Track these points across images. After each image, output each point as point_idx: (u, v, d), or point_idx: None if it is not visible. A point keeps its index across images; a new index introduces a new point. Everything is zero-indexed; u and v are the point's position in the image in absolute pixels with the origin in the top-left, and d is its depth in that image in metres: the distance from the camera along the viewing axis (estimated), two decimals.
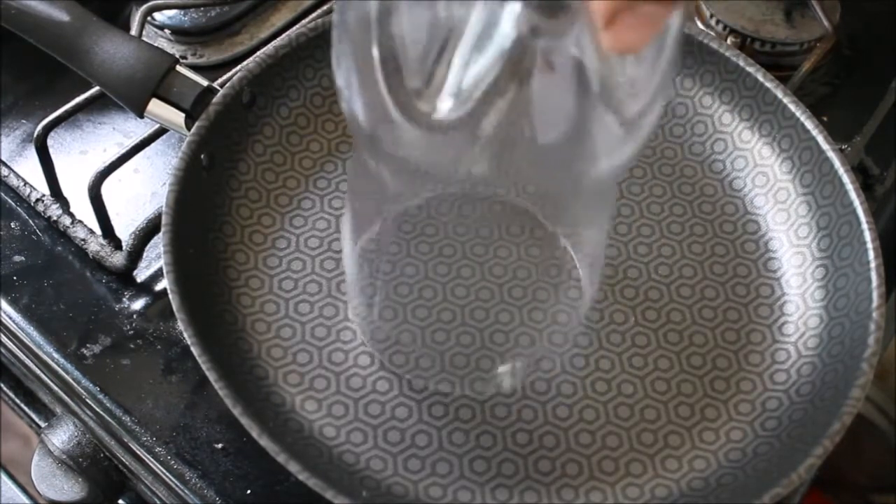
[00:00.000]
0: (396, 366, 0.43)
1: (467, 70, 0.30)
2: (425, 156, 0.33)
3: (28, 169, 0.51)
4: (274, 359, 0.43)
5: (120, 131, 0.55)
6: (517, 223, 0.45)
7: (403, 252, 0.45)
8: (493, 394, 0.42)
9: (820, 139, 0.47)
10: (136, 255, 0.48)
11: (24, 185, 0.50)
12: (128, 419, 0.44)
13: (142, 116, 0.44)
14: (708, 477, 0.41)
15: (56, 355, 0.46)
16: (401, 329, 0.43)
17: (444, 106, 0.31)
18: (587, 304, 0.44)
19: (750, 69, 0.49)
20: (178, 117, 0.44)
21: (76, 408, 0.46)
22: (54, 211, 0.49)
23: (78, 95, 0.49)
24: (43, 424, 0.50)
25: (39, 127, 0.48)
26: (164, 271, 0.41)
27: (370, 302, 0.44)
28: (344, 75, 0.33)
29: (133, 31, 0.51)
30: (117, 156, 0.47)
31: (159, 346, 0.46)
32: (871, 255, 0.43)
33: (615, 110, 0.32)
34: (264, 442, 0.37)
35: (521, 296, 0.44)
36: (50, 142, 0.49)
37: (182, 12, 0.57)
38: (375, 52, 0.31)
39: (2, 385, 0.54)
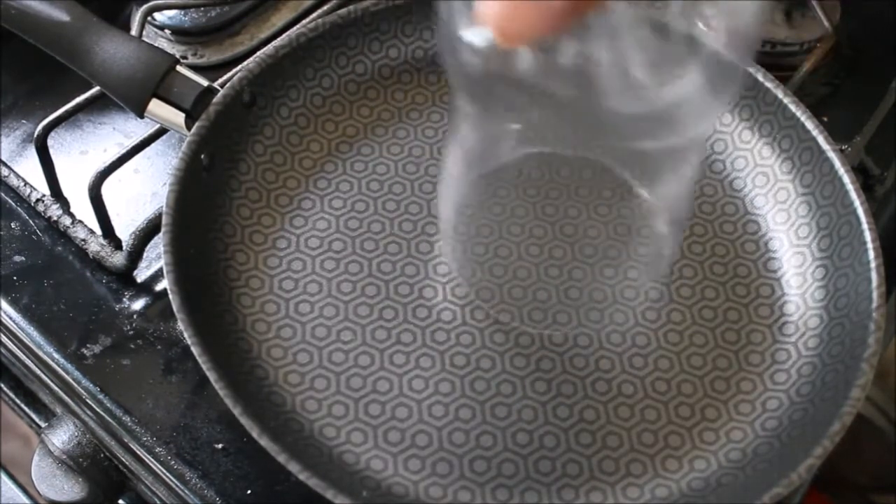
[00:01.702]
0: (477, 320, 0.44)
1: None
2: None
3: (28, 169, 0.51)
4: (274, 359, 0.43)
5: (120, 131, 0.55)
6: (601, 182, 0.47)
7: (486, 211, 0.47)
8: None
9: (820, 139, 0.47)
10: (136, 255, 0.48)
11: (24, 185, 0.50)
12: (128, 419, 0.44)
13: (142, 116, 0.44)
14: (708, 477, 0.41)
15: (56, 355, 0.46)
16: (482, 285, 0.45)
17: None
18: (667, 261, 0.45)
19: (750, 69, 0.49)
20: (178, 117, 0.44)
21: (76, 408, 0.46)
22: (54, 211, 0.49)
23: (78, 95, 0.49)
24: (43, 424, 0.50)
25: (39, 127, 0.48)
26: (165, 271, 0.41)
27: (480, 242, 0.46)
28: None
29: (133, 32, 0.51)
30: (117, 156, 0.47)
31: (159, 346, 0.46)
32: (872, 255, 0.43)
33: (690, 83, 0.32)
34: (264, 442, 0.37)
35: (592, 253, 0.46)
36: (50, 142, 0.49)
37: (182, 12, 0.57)
38: None
39: (2, 385, 0.54)
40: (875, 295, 0.42)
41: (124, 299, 0.47)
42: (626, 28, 0.31)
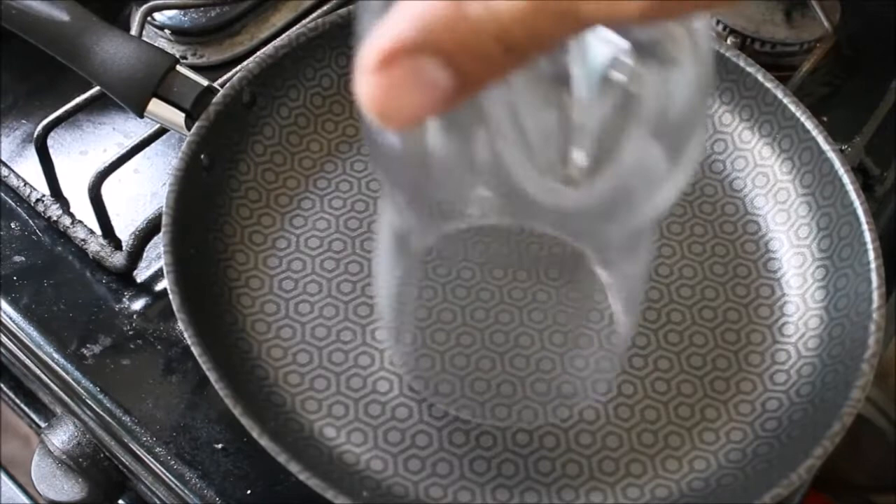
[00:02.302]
0: (435, 417, 0.41)
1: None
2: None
3: (28, 169, 0.51)
4: (274, 359, 0.43)
5: (120, 131, 0.55)
6: (553, 261, 0.43)
7: (440, 297, 0.44)
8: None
9: (820, 139, 0.47)
10: (136, 255, 0.48)
11: (24, 185, 0.50)
12: (128, 419, 0.44)
13: (142, 116, 0.44)
14: (708, 477, 0.41)
15: (56, 355, 0.46)
16: (440, 378, 0.42)
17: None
18: (624, 347, 0.43)
19: (750, 69, 0.49)
20: (178, 117, 0.44)
21: (76, 408, 0.46)
22: (54, 211, 0.49)
23: (78, 95, 0.49)
24: (43, 424, 0.50)
25: (39, 127, 0.48)
26: (165, 271, 0.41)
27: (416, 326, 0.43)
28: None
29: (133, 31, 0.51)
30: (117, 156, 0.47)
31: (159, 346, 0.46)
32: (872, 255, 0.43)
33: (661, 140, 0.29)
34: (264, 442, 0.37)
35: (561, 342, 0.43)
36: (50, 142, 0.49)
37: (182, 12, 0.57)
38: None
39: (2, 385, 0.54)
40: (875, 296, 0.42)
41: (124, 299, 0.47)
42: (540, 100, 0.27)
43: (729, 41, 0.58)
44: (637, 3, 0.21)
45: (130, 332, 0.46)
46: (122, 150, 0.48)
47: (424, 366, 0.43)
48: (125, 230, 0.48)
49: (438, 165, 0.29)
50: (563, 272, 0.44)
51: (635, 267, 0.39)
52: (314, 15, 0.55)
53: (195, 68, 0.49)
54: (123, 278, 0.48)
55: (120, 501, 0.50)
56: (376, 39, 0.21)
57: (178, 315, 0.40)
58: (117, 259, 0.48)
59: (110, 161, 0.47)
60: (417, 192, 0.31)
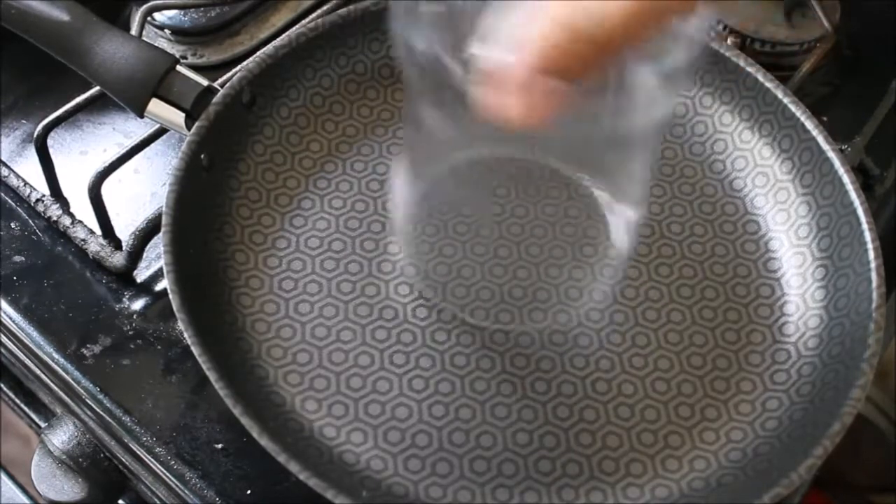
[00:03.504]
0: (444, 321, 0.44)
1: None
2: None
3: (28, 169, 0.51)
4: (274, 359, 0.43)
5: (120, 131, 0.55)
6: (554, 185, 0.47)
7: (452, 213, 0.46)
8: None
9: (820, 139, 0.47)
10: (136, 255, 0.48)
11: (24, 185, 0.50)
12: (128, 419, 0.44)
13: (142, 116, 0.44)
14: (708, 477, 0.41)
15: (56, 355, 0.46)
16: (453, 284, 0.45)
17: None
18: (623, 264, 0.45)
19: (750, 69, 0.49)
20: (178, 117, 0.44)
21: (76, 408, 0.46)
22: (54, 211, 0.49)
23: (78, 95, 0.49)
24: (43, 424, 0.50)
25: (39, 127, 0.48)
26: (164, 271, 0.41)
27: (426, 240, 0.46)
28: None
29: (133, 31, 0.51)
30: (117, 156, 0.47)
31: (159, 346, 0.46)
32: (872, 255, 0.43)
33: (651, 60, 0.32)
34: (264, 442, 0.37)
35: (562, 255, 0.45)
36: (50, 142, 0.49)
37: (182, 12, 0.57)
38: None
39: (2, 385, 0.54)
40: (875, 295, 0.42)
41: (124, 299, 0.47)
42: None
43: (729, 41, 0.58)
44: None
45: (130, 332, 0.46)
46: (122, 150, 0.48)
47: (440, 272, 0.45)
48: (125, 230, 0.48)
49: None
50: (564, 191, 0.47)
51: (631, 184, 0.42)
52: (314, 15, 0.55)
53: (195, 68, 0.49)
54: (123, 278, 0.48)
55: (120, 501, 0.50)
56: (509, 66, 0.27)
57: (178, 315, 0.40)
58: (117, 259, 0.48)
59: (110, 161, 0.47)
60: (441, 114, 0.36)
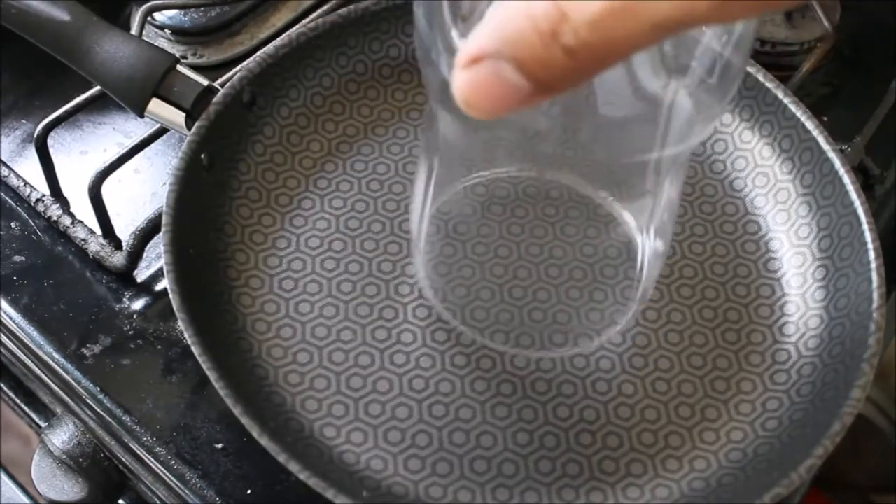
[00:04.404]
0: (464, 345, 0.43)
1: None
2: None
3: (28, 169, 0.51)
4: (274, 359, 0.43)
5: (120, 131, 0.55)
6: (579, 208, 0.46)
7: (472, 231, 0.46)
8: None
9: (820, 139, 0.47)
10: (136, 255, 0.48)
11: (24, 185, 0.50)
12: (128, 419, 0.44)
13: (142, 116, 0.44)
14: (708, 477, 0.41)
15: (56, 355, 0.46)
16: (472, 306, 0.44)
17: None
18: (647, 280, 0.44)
19: (750, 69, 0.49)
20: (178, 117, 0.44)
21: (76, 408, 0.46)
22: (54, 211, 0.49)
23: (78, 95, 0.49)
24: (43, 424, 0.50)
25: (39, 127, 0.48)
26: (164, 271, 0.41)
27: (443, 261, 0.45)
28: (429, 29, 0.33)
29: (133, 31, 0.51)
30: (117, 156, 0.47)
31: (159, 346, 0.46)
32: (872, 255, 0.43)
33: (688, 89, 0.32)
34: (264, 442, 0.37)
35: (581, 277, 0.45)
36: (50, 142, 0.49)
37: (182, 12, 0.57)
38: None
39: (2, 385, 0.54)
40: (875, 295, 0.42)
41: (124, 299, 0.47)
42: None
43: None
44: (707, 3, 0.23)
45: (130, 332, 0.46)
46: (122, 150, 0.48)
47: (459, 294, 0.44)
48: (125, 230, 0.48)
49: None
50: (584, 211, 0.46)
51: (656, 202, 0.41)
52: (314, 15, 0.55)
53: (195, 68, 0.49)
54: (123, 278, 0.48)
55: (120, 501, 0.50)
56: (468, 43, 0.25)
57: (178, 315, 0.40)
58: (117, 259, 0.48)
59: (110, 161, 0.47)
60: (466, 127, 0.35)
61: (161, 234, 0.42)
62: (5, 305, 0.47)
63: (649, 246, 0.43)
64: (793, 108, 0.48)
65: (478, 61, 0.25)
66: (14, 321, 0.47)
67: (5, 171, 0.51)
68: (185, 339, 0.39)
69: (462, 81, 0.25)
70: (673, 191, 0.40)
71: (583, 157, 0.37)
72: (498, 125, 0.34)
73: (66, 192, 0.50)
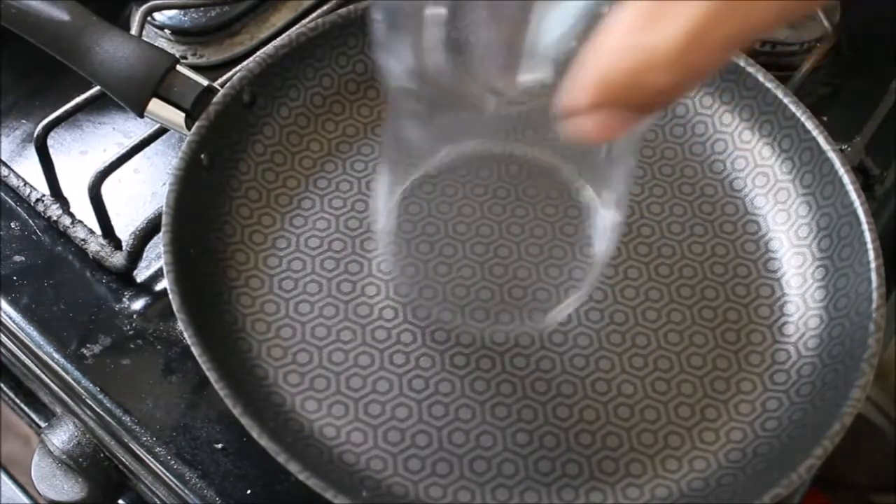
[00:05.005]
0: (419, 318, 0.44)
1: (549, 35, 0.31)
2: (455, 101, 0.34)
3: (28, 169, 0.51)
4: (274, 359, 0.43)
5: (120, 131, 0.55)
6: (535, 182, 0.47)
7: (424, 212, 0.46)
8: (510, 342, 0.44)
9: (820, 139, 0.47)
10: (136, 255, 0.48)
11: (24, 185, 0.50)
12: (128, 419, 0.44)
13: (142, 116, 0.44)
14: (708, 477, 0.41)
15: (56, 355, 0.46)
16: (423, 284, 0.45)
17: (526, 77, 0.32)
18: (601, 262, 0.44)
19: (750, 69, 0.49)
20: (178, 117, 0.44)
21: (76, 408, 0.46)
22: (54, 211, 0.49)
23: (78, 95, 0.49)
24: (43, 424, 0.50)
25: (39, 127, 0.48)
26: (164, 271, 0.41)
27: (398, 259, 0.45)
28: (388, 34, 0.33)
29: (133, 31, 0.51)
30: (117, 156, 0.47)
31: (159, 346, 0.46)
32: (872, 255, 0.43)
33: None
34: (264, 442, 0.37)
35: (537, 253, 0.45)
36: (50, 142, 0.49)
37: (182, 12, 0.57)
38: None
39: (2, 385, 0.54)
40: (875, 295, 0.42)
41: (124, 299, 0.48)
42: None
43: None
44: (768, 13, 0.26)
45: (130, 332, 0.46)
46: (122, 150, 0.48)
47: (409, 273, 0.45)
48: (125, 230, 0.48)
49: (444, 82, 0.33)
50: (540, 190, 0.46)
51: (614, 183, 0.42)
52: (314, 15, 0.55)
53: (195, 68, 0.49)
54: (123, 278, 0.48)
55: (120, 501, 0.50)
56: (574, 95, 0.28)
57: (178, 315, 0.40)
58: (117, 259, 0.48)
59: (110, 161, 0.47)
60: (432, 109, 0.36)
61: (161, 234, 0.42)
62: (5, 305, 0.47)
63: (604, 221, 0.44)
64: (793, 108, 0.48)
65: (589, 112, 0.28)
66: (14, 321, 0.47)
67: (5, 171, 0.51)
68: (185, 339, 0.39)
69: (583, 125, 0.28)
70: (619, 180, 0.41)
71: (533, 129, 0.39)
72: (452, 109, 0.35)
73: (66, 192, 0.50)
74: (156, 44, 0.53)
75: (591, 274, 0.44)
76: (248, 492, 0.42)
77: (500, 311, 0.44)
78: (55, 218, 0.49)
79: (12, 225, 0.50)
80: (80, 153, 0.54)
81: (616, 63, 0.27)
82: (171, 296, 0.40)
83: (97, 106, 0.51)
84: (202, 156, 0.45)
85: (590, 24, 0.29)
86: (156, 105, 0.44)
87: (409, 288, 0.44)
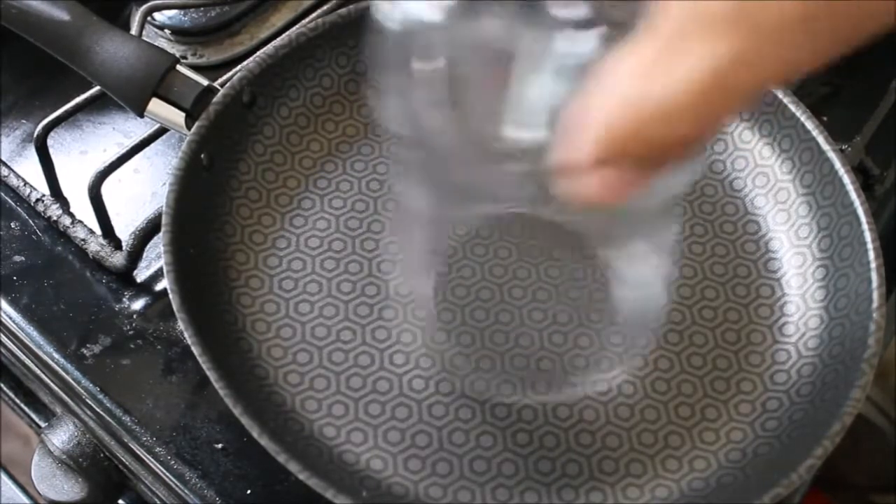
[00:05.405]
0: (476, 392, 0.43)
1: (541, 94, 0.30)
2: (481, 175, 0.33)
3: (28, 169, 0.51)
4: (274, 359, 0.43)
5: (120, 131, 0.55)
6: (562, 244, 0.45)
7: (454, 275, 0.45)
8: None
9: (820, 139, 0.47)
10: (136, 255, 0.48)
11: (24, 185, 0.50)
12: (128, 419, 0.44)
13: (142, 116, 0.44)
14: (708, 477, 0.41)
15: (56, 355, 0.46)
16: (454, 353, 0.44)
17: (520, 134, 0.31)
18: (632, 332, 0.43)
19: None
20: (178, 117, 0.44)
21: (76, 408, 0.46)
22: (54, 211, 0.49)
23: (78, 95, 0.49)
24: (43, 424, 0.50)
25: (39, 127, 0.48)
26: (164, 271, 0.41)
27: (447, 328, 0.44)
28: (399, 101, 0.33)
29: (133, 31, 0.51)
30: (117, 156, 0.47)
31: (159, 346, 0.46)
32: (872, 255, 0.43)
33: None
34: (264, 442, 0.37)
35: (567, 320, 0.44)
36: (50, 142, 0.49)
37: (182, 12, 0.57)
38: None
39: (2, 385, 0.54)
40: (875, 295, 0.42)
41: (124, 299, 0.47)
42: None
43: None
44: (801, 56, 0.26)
45: (130, 332, 0.46)
46: (122, 150, 0.48)
47: (438, 339, 0.44)
48: (125, 230, 0.48)
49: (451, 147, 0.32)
50: (568, 254, 0.45)
51: (641, 247, 0.41)
52: (314, 15, 0.55)
53: (195, 68, 0.49)
54: (123, 278, 0.48)
55: (120, 501, 0.50)
56: (574, 150, 0.26)
57: (178, 315, 0.40)
58: (117, 259, 0.48)
59: (110, 161, 0.47)
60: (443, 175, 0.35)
61: (161, 234, 0.42)
62: (5, 305, 0.47)
63: (631, 284, 0.43)
64: (793, 108, 0.48)
65: (591, 170, 0.26)
66: (14, 321, 0.47)
67: (5, 171, 0.51)
68: (185, 339, 0.39)
69: (585, 186, 0.26)
70: (657, 230, 0.40)
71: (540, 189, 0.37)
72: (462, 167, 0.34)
73: (66, 192, 0.50)
74: (156, 44, 0.53)
75: (625, 340, 0.43)
76: (248, 492, 0.42)
77: (534, 381, 0.43)
78: (55, 218, 0.49)
79: (12, 225, 0.50)
80: (80, 153, 0.54)
81: (620, 114, 0.25)
82: (171, 296, 0.40)
83: (97, 106, 0.50)
84: (202, 156, 0.45)
85: (577, 77, 0.27)
86: (156, 105, 0.44)
87: (433, 359, 0.43)
